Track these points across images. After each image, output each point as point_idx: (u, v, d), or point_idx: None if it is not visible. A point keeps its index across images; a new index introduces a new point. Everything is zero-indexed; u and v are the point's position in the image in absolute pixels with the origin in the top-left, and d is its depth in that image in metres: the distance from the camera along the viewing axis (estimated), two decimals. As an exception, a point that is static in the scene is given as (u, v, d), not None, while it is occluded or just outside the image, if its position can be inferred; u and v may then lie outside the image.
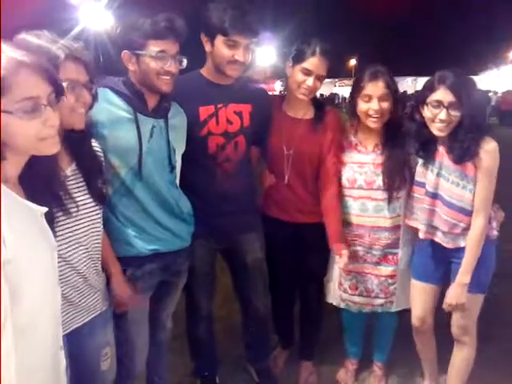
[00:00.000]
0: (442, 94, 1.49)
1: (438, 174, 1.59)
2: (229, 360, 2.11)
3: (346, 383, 2.05)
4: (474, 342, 1.74)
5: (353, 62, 38.19)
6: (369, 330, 2.08)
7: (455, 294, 1.61)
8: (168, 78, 1.34)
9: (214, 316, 1.93)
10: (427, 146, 1.61)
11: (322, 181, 1.80)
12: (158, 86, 1.35)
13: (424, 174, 1.65)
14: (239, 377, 2.04)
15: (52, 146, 0.85)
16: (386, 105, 1.66)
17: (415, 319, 1.81)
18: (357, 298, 1.87)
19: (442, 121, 1.50)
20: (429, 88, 1.54)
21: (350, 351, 2.11)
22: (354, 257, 1.83)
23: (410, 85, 26.35)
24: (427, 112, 1.54)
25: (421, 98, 1.57)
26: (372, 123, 1.69)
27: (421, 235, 1.67)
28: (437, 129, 1.53)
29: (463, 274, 1.58)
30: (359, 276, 1.85)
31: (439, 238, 1.65)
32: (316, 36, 1.72)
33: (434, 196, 1.62)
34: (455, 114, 1.49)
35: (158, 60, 1.31)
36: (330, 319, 2.10)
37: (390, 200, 1.73)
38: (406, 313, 1.88)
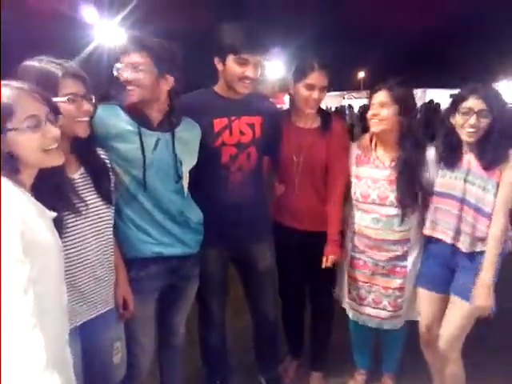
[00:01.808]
0: (473, 102, 1.59)
1: (466, 180, 1.64)
2: (240, 369, 2.12)
3: (355, 394, 2.05)
4: (458, 359, 1.74)
5: (361, 74, 38.35)
6: (377, 341, 2.08)
7: (483, 295, 1.58)
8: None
9: (225, 325, 1.95)
10: (453, 152, 1.68)
11: (328, 185, 1.85)
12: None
13: (448, 185, 1.69)
14: (250, 385, 2.05)
15: (56, 158, 0.99)
16: (385, 111, 1.72)
17: (422, 327, 1.82)
18: (365, 309, 1.89)
19: (471, 126, 1.58)
20: (460, 97, 1.63)
21: (358, 362, 2.11)
22: (362, 267, 1.86)
23: (419, 96, 26.33)
24: (458, 118, 1.62)
25: (452, 106, 1.66)
26: (373, 126, 1.75)
27: (447, 240, 1.69)
28: (466, 134, 1.61)
29: (486, 274, 1.58)
30: (367, 286, 1.86)
31: (461, 242, 1.67)
32: (316, 50, 1.81)
33: (462, 201, 1.65)
34: (485, 120, 1.58)
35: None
36: (339, 330, 2.11)
37: (402, 216, 1.76)
38: (415, 323, 1.89)
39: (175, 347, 1.70)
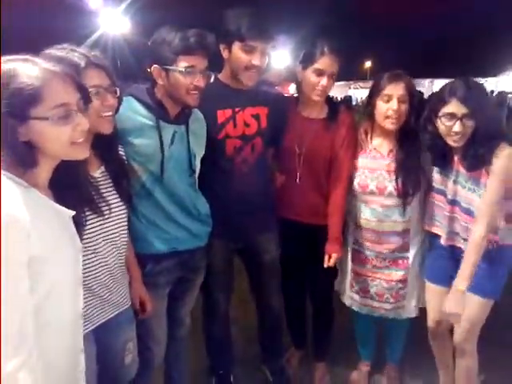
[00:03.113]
0: (455, 107, 1.47)
1: (455, 182, 1.60)
2: (244, 360, 2.14)
3: (359, 385, 2.06)
4: (474, 351, 1.72)
5: (368, 64, 37.90)
6: (381, 332, 2.08)
7: (454, 302, 1.53)
8: (196, 92, 1.38)
9: (230, 316, 1.95)
10: (443, 155, 1.61)
11: (331, 179, 1.81)
12: (186, 101, 1.39)
13: (441, 182, 1.66)
14: (253, 376, 2.07)
15: (82, 152, 0.91)
16: (404, 106, 1.66)
17: (431, 321, 1.81)
18: (368, 301, 1.89)
19: (457, 133, 1.49)
20: (440, 100, 1.51)
21: (362, 353, 2.12)
22: (363, 260, 1.85)
23: (426, 87, 26.02)
24: (441, 125, 1.52)
25: (433, 110, 1.56)
26: (390, 124, 1.69)
27: (442, 242, 1.67)
28: (452, 141, 1.53)
29: (460, 281, 1.52)
30: (369, 280, 1.85)
31: (461, 243, 1.65)
32: (328, 37, 1.74)
33: (453, 203, 1.62)
34: (469, 124, 1.48)
35: (187, 75, 1.34)
36: (342, 320, 2.11)
37: (401, 206, 1.74)
38: (419, 316, 1.88)
39: (181, 338, 1.71)
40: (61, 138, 0.84)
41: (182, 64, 1.33)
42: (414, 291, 1.85)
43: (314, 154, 1.78)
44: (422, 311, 1.87)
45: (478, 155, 1.50)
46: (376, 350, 2.11)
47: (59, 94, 0.83)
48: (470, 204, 1.57)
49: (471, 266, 1.52)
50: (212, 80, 1.65)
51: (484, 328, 1.68)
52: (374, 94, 1.72)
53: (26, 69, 0.81)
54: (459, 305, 1.52)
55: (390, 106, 1.66)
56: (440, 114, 1.51)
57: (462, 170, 1.58)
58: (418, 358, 2.04)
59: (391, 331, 2.04)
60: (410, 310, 1.88)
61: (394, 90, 1.65)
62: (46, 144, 0.84)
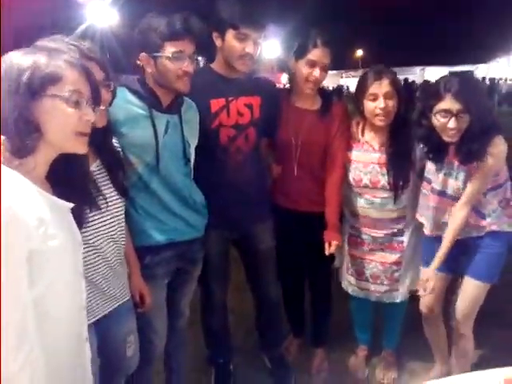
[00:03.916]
0: (450, 103, 1.47)
1: (446, 174, 1.62)
2: (242, 348, 2.16)
3: (356, 369, 2.09)
4: (471, 334, 1.76)
5: (359, 52, 37.81)
6: (378, 318, 2.11)
7: (425, 277, 1.66)
8: (186, 78, 1.37)
9: (227, 306, 1.97)
10: (437, 148, 1.62)
11: (327, 167, 1.83)
12: (177, 87, 1.38)
13: (433, 172, 1.67)
14: (253, 364, 2.09)
15: (81, 145, 0.91)
16: (391, 103, 1.68)
17: (423, 307, 1.84)
18: (363, 284, 1.92)
19: (452, 129, 1.50)
20: (435, 96, 1.51)
21: (359, 338, 2.15)
22: (360, 243, 1.87)
23: (417, 74, 26.05)
24: (436, 121, 1.53)
25: (427, 105, 1.55)
26: (379, 121, 1.70)
27: (426, 232, 1.70)
28: (448, 136, 1.53)
29: (436, 259, 1.63)
30: (365, 262, 1.89)
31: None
32: (319, 27, 1.75)
33: (442, 194, 1.64)
34: (465, 119, 1.49)
35: (175, 61, 1.33)
36: (340, 306, 2.14)
37: (395, 197, 1.76)
38: (415, 299, 1.91)
39: (181, 330, 1.72)
40: (68, 121, 0.86)
41: (170, 50, 1.32)
42: (407, 274, 1.88)
43: (309, 144, 1.80)
44: (417, 297, 1.90)
45: (473, 149, 1.51)
46: (373, 335, 2.14)
47: (76, 81, 0.87)
48: (457, 193, 1.61)
49: (448, 248, 1.61)
50: (203, 68, 1.65)
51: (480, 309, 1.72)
52: (359, 93, 1.73)
53: (51, 52, 0.86)
54: (430, 279, 1.65)
55: (376, 104, 1.67)
56: (435, 110, 1.51)
57: (456, 163, 1.60)
58: (415, 343, 2.06)
59: (387, 317, 2.07)
60: (405, 293, 1.91)
61: (379, 89, 1.67)
62: (51, 126, 0.85)
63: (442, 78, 1.55)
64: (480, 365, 1.81)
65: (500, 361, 1.09)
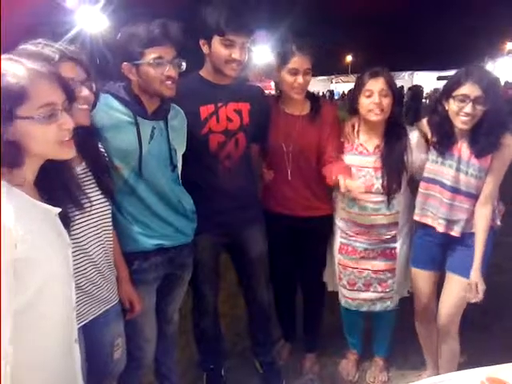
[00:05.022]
0: (469, 88, 1.53)
1: (458, 169, 1.64)
2: (234, 353, 2.16)
3: (348, 373, 2.10)
4: (457, 334, 1.78)
5: (349, 58, 38.16)
6: (368, 322, 2.11)
7: (476, 279, 1.63)
8: (170, 82, 1.37)
9: (219, 311, 1.97)
10: (447, 136, 1.66)
11: (320, 166, 1.81)
12: (162, 92, 1.39)
13: (437, 171, 1.69)
14: (244, 369, 2.09)
15: (68, 151, 0.92)
16: (386, 100, 1.71)
17: (419, 307, 1.86)
18: (356, 294, 1.91)
19: (467, 114, 1.54)
20: (455, 82, 1.57)
21: (350, 343, 2.15)
22: (350, 252, 1.88)
23: (406, 79, 26.38)
24: (453, 105, 1.57)
25: (446, 91, 1.61)
26: (373, 116, 1.72)
27: (440, 229, 1.70)
28: (461, 122, 1.57)
29: (477, 261, 1.63)
30: (357, 272, 1.88)
31: (454, 230, 1.69)
32: (296, 33, 1.78)
33: (455, 190, 1.66)
34: (480, 108, 1.53)
35: (157, 66, 1.34)
36: (331, 311, 2.15)
37: (388, 201, 1.78)
38: (405, 305, 1.92)
39: (170, 335, 1.71)
40: (47, 137, 0.85)
41: (150, 56, 1.33)
42: (400, 281, 1.89)
43: (301, 150, 1.81)
44: (410, 301, 1.91)
45: (487, 141, 1.56)
46: (364, 339, 2.15)
47: (45, 94, 0.84)
48: (471, 188, 1.63)
49: (484, 247, 1.62)
50: (192, 75, 1.66)
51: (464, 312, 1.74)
52: (356, 90, 1.77)
53: (12, 68, 0.81)
54: (481, 284, 1.63)
55: (371, 100, 1.71)
56: (453, 94, 1.56)
57: (465, 157, 1.63)
58: (405, 348, 2.08)
59: (377, 324, 2.07)
60: (396, 300, 1.92)
61: (375, 85, 1.70)
62: (33, 144, 0.84)
63: (463, 68, 1.60)
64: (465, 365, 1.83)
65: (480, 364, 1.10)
